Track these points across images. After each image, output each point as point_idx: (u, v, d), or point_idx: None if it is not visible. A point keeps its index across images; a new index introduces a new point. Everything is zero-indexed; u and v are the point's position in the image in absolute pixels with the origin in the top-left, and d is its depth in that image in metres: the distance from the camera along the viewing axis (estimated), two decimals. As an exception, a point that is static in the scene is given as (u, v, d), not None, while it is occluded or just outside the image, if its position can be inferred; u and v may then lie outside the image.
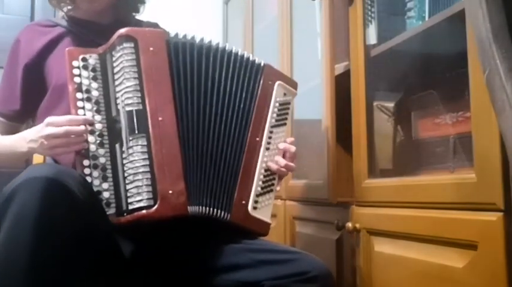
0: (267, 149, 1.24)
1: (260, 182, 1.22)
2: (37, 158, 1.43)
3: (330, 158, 1.43)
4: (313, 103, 1.63)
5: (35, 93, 1.29)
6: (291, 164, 1.26)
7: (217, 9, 2.94)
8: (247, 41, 2.39)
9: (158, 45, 1.14)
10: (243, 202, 1.18)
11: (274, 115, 1.26)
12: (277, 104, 1.27)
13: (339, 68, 1.45)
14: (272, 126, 1.25)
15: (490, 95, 0.69)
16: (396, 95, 1.45)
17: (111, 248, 1.10)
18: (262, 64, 1.26)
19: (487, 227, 0.89)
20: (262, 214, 1.22)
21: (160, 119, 1.10)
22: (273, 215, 1.87)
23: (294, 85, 1.33)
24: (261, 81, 1.25)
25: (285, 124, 1.29)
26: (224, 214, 1.17)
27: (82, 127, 1.10)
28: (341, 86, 1.41)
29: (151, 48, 1.13)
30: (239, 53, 1.24)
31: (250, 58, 1.25)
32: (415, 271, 1.09)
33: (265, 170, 1.23)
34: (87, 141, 1.10)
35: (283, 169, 1.25)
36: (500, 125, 0.69)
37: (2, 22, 2.54)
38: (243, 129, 1.21)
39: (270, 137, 1.25)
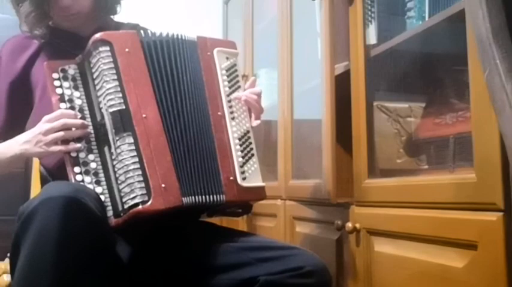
0: (232, 118, 1.24)
1: (239, 153, 1.22)
2: (36, 167, 1.43)
3: (330, 158, 1.42)
4: (313, 103, 1.63)
5: (20, 109, 1.30)
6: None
7: (217, 9, 2.94)
8: (247, 41, 2.39)
9: (133, 45, 1.16)
10: (231, 178, 1.18)
11: (226, 83, 1.26)
12: (223, 72, 1.26)
13: (339, 68, 1.45)
14: (228, 95, 1.25)
15: (490, 95, 0.69)
16: (397, 95, 1.45)
17: (116, 255, 1.11)
18: (195, 39, 1.25)
19: (487, 227, 0.89)
20: (253, 180, 1.22)
21: (144, 116, 1.12)
22: (273, 215, 1.88)
23: (232, 45, 1.31)
24: (200, 56, 1.24)
25: (239, 87, 1.28)
26: (219, 197, 1.17)
27: (79, 120, 1.12)
28: (341, 86, 1.41)
29: (126, 49, 1.15)
30: (182, 37, 1.23)
31: (185, 38, 1.24)
32: (415, 271, 1.09)
33: (239, 139, 1.23)
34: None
35: (256, 104, 1.25)
36: (500, 125, 0.69)
37: (2, 22, 2.54)
38: (205, 110, 1.21)
39: (230, 107, 1.25)
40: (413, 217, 1.10)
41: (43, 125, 1.13)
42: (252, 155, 1.24)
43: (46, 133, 1.12)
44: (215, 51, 1.26)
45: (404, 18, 1.31)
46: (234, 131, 1.23)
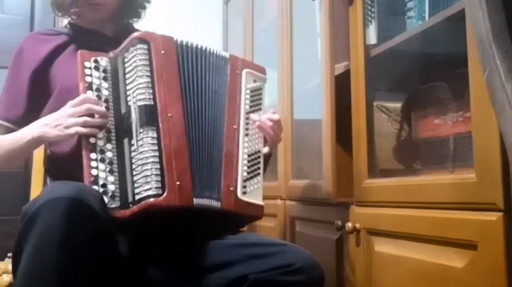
0: (246, 135, 1.27)
1: (245, 167, 1.25)
2: (36, 167, 1.43)
3: (330, 158, 1.42)
4: (313, 103, 1.63)
5: (39, 99, 1.31)
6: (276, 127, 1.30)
7: (217, 9, 2.94)
8: (247, 41, 2.39)
9: (169, 49, 1.21)
10: (231, 188, 1.21)
11: (248, 101, 1.30)
12: (248, 91, 1.31)
13: (339, 68, 1.45)
14: (247, 113, 1.29)
15: (490, 95, 0.69)
16: (397, 95, 1.45)
17: (118, 255, 1.11)
18: (227, 56, 1.31)
19: (487, 227, 0.89)
20: (253, 197, 1.24)
21: (169, 115, 1.16)
22: (273, 215, 1.88)
23: (262, 71, 1.37)
24: (229, 72, 1.29)
25: (260, 109, 1.33)
26: (216, 203, 1.18)
27: (102, 108, 1.15)
28: (341, 86, 1.41)
29: (162, 51, 1.19)
30: (214, 52, 1.29)
31: (218, 53, 1.30)
32: (415, 271, 1.09)
33: (249, 155, 1.26)
34: (95, 136, 1.14)
35: (270, 131, 1.28)
36: (500, 125, 0.69)
37: (2, 22, 2.54)
38: (221, 120, 1.25)
39: (247, 123, 1.28)
40: (413, 217, 1.10)
41: (67, 109, 1.15)
42: (258, 174, 1.27)
43: (69, 116, 1.14)
44: (244, 71, 1.32)
45: (404, 18, 1.31)
46: (245, 146, 1.26)
